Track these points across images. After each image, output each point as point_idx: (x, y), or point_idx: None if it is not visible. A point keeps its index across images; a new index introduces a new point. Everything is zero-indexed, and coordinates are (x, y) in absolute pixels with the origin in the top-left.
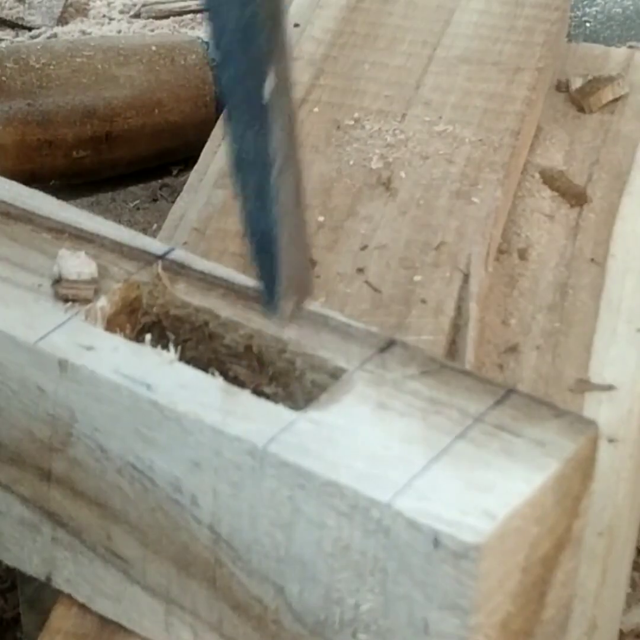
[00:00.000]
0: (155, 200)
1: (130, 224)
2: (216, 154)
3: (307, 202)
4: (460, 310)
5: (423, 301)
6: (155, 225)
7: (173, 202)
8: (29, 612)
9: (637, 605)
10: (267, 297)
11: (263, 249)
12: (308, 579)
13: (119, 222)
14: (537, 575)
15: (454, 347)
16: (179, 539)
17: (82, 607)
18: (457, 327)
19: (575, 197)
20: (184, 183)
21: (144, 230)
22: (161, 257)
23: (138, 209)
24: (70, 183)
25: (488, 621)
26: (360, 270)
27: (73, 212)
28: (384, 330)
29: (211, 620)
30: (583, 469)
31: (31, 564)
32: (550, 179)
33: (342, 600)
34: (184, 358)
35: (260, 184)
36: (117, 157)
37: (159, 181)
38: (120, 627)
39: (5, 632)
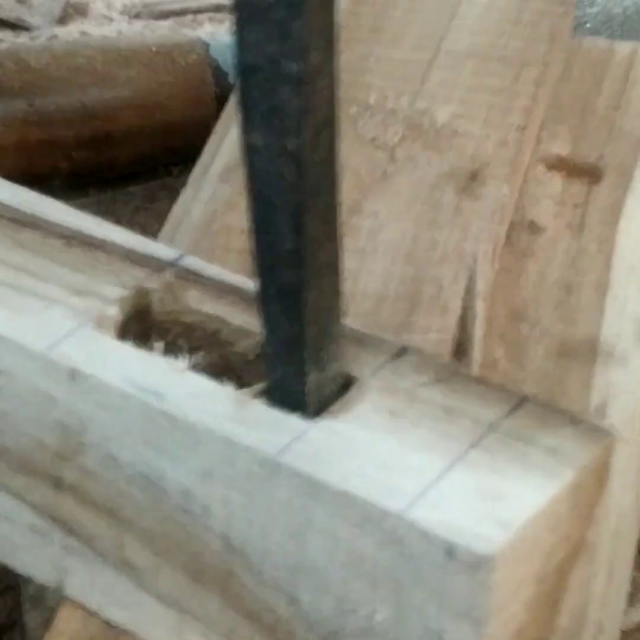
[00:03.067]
0: (155, 200)
1: (130, 225)
2: (220, 148)
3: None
4: (466, 308)
5: (429, 299)
6: (155, 226)
7: (173, 202)
8: (31, 611)
9: (636, 606)
10: (292, 400)
11: (287, 353)
12: (321, 588)
13: (119, 222)
14: (551, 584)
15: (460, 346)
16: (191, 548)
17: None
18: (464, 326)
19: (587, 174)
20: (184, 183)
21: (144, 231)
22: (172, 264)
23: (138, 209)
24: (70, 183)
25: (503, 631)
26: (365, 268)
27: (82, 218)
28: (390, 329)
29: (223, 630)
30: (597, 477)
31: (42, 572)
32: (557, 165)
33: (355, 611)
34: (195, 366)
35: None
36: (117, 157)
37: (159, 181)
38: (125, 630)
39: (5, 632)
